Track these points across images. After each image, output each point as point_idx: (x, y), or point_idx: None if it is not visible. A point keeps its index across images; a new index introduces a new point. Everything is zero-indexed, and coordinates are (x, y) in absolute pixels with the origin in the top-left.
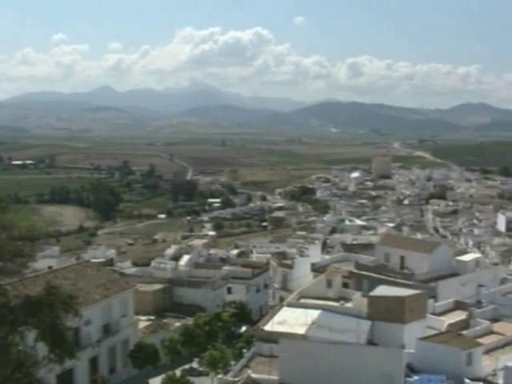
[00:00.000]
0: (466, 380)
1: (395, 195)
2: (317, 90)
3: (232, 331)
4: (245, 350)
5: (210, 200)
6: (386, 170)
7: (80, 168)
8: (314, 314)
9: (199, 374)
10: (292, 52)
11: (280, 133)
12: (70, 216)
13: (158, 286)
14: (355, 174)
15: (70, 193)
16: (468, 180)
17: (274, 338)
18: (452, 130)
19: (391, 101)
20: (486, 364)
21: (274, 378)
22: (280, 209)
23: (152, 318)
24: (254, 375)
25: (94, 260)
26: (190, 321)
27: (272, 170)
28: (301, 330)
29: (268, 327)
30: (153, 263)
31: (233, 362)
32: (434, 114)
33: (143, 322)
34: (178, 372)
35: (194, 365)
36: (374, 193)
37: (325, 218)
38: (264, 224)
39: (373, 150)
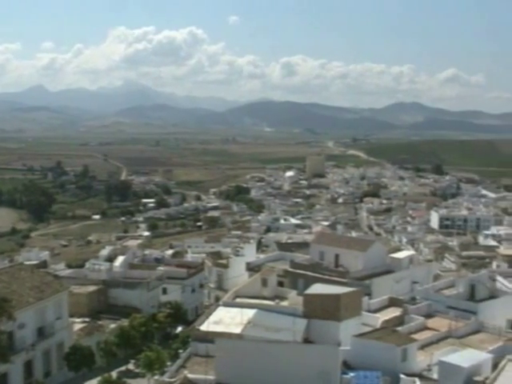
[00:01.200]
0: (402, 376)
1: (329, 194)
2: (251, 89)
3: (168, 332)
4: (181, 351)
5: (145, 200)
6: (320, 169)
7: (12, 169)
8: (250, 313)
9: (135, 375)
10: (226, 51)
11: (214, 132)
12: (2, 218)
13: (92, 288)
14: (290, 173)
15: (2, 194)
16: (401, 178)
17: (209, 337)
18: (386, 128)
19: (325, 100)
20: (420, 359)
21: (211, 377)
22: (215, 208)
23: (87, 320)
24: (190, 375)
25: (27, 262)
26: (125, 322)
27: (206, 169)
28: (237, 330)
29: (204, 327)
30: (87, 265)
31: (169, 363)
32: (367, 113)
33: (78, 324)
34: (114, 374)
35: (130, 366)
36: (308, 192)
37: (259, 218)
38: (199, 224)
39: (307, 149)
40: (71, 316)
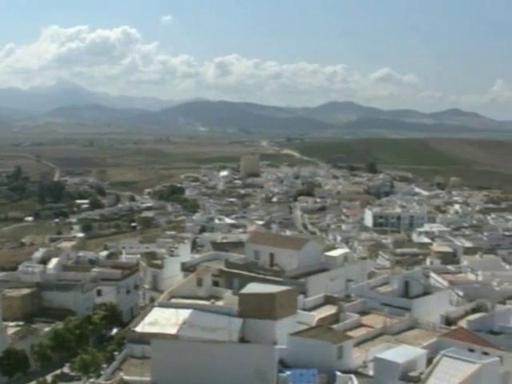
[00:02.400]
0: (338, 373)
1: (264, 193)
2: (185, 89)
3: (103, 334)
4: (116, 353)
5: (79, 201)
6: (254, 169)
7: None
8: (185, 313)
9: (71, 378)
10: (160, 51)
11: (148, 132)
12: None
13: (26, 291)
14: (224, 173)
15: None
16: (335, 177)
17: (145, 339)
18: (319, 128)
19: (259, 99)
20: (356, 356)
21: (147, 379)
22: (149, 209)
23: (20, 323)
24: (126, 377)
25: None
26: (59, 325)
27: (140, 169)
28: (172, 330)
29: (139, 328)
30: (20, 267)
31: (105, 365)
32: (301, 112)
33: (12, 327)
34: (49, 378)
35: (66, 370)
36: (242, 191)
37: (194, 217)
38: (133, 224)
39: (241, 149)
40: (4, 320)
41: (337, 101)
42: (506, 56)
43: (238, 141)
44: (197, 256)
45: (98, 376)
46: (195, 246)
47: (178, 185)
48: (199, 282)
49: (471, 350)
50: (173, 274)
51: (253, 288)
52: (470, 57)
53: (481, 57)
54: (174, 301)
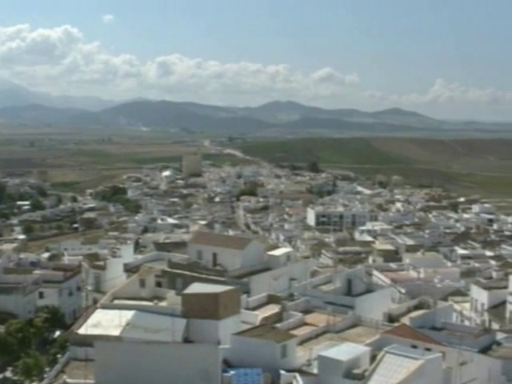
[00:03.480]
0: (282, 371)
1: (206, 193)
2: (127, 88)
3: (45, 337)
4: (59, 356)
5: (19, 203)
6: (196, 168)
7: None
8: (128, 314)
9: (13, 383)
10: (101, 50)
11: (90, 132)
12: None
13: None
14: (166, 173)
15: None
16: (278, 176)
17: (88, 341)
18: (262, 127)
19: (201, 99)
20: (300, 355)
21: (90, 381)
22: (91, 210)
23: None
24: (69, 380)
25: None
26: (1, 329)
27: (82, 170)
28: (115, 332)
29: (82, 330)
30: None
31: (47, 369)
32: (243, 112)
33: None
34: None
35: (8, 374)
36: (185, 191)
37: (136, 218)
38: (75, 225)
39: (183, 149)
40: None
41: (279, 100)
42: (446, 56)
43: (180, 141)
44: (139, 257)
45: (41, 379)
46: (138, 247)
47: (120, 185)
48: (142, 283)
49: (414, 347)
50: (115, 275)
51: (196, 288)
52: (411, 57)
53: (421, 57)
54: (116, 302)
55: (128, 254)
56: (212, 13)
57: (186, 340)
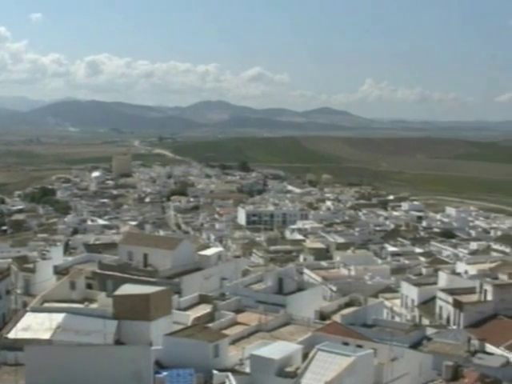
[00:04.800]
0: (214, 371)
1: (136, 193)
2: (55, 88)
3: None
4: None
5: None
6: (126, 169)
7: None
8: (59, 317)
9: None
10: (30, 50)
11: (18, 133)
12: None
13: None
14: (96, 174)
15: None
16: (208, 176)
17: (18, 345)
18: (192, 127)
19: (131, 99)
20: (232, 354)
21: None
22: (20, 211)
23: None
24: None
25: None
26: None
27: (10, 171)
28: (46, 335)
29: (12, 335)
30: None
31: None
32: (173, 111)
33: None
34: None
35: None
36: (115, 192)
37: (66, 219)
38: (3, 228)
39: (113, 149)
40: None
41: (209, 100)
42: (375, 56)
43: (109, 141)
44: (69, 258)
45: None
46: (68, 249)
47: (50, 186)
48: (72, 285)
49: (345, 344)
50: (45, 278)
51: (127, 289)
52: (341, 56)
53: (351, 56)
54: (46, 305)
55: (58, 256)
56: (141, 12)
57: (118, 342)
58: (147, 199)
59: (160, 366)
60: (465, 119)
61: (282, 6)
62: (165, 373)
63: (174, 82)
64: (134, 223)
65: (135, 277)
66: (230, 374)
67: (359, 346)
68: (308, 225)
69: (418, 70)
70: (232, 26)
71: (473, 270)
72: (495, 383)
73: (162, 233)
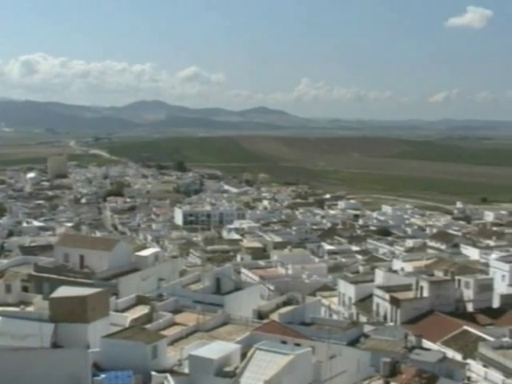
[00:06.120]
0: (153, 372)
1: (72, 194)
2: None
3: None
4: None
5: None
6: (62, 169)
7: None
8: None
9: None
10: None
11: None
12: None
13: None
14: (31, 175)
15: None
16: (145, 176)
17: None
18: (128, 127)
19: (66, 99)
20: (171, 355)
21: None
22: None
23: None
24: None
25: None
26: None
27: None
28: None
29: None
30: None
31: None
32: (109, 111)
33: None
34: None
35: None
36: (51, 193)
37: (1, 221)
38: None
39: (48, 150)
40: None
41: (145, 100)
42: (311, 55)
43: (45, 141)
44: (5, 261)
45: None
46: (3, 251)
47: None
48: (7, 288)
49: (284, 342)
50: None
51: (63, 291)
52: (277, 56)
53: (287, 56)
54: None
55: None
56: (76, 11)
57: (55, 345)
58: (83, 200)
59: (98, 368)
60: (400, 118)
61: (218, 5)
62: (103, 375)
63: (109, 81)
64: (70, 224)
65: (72, 279)
66: (168, 374)
67: (297, 345)
68: (245, 224)
69: (354, 70)
70: (168, 25)
71: (409, 267)
72: (432, 378)
73: (98, 234)
